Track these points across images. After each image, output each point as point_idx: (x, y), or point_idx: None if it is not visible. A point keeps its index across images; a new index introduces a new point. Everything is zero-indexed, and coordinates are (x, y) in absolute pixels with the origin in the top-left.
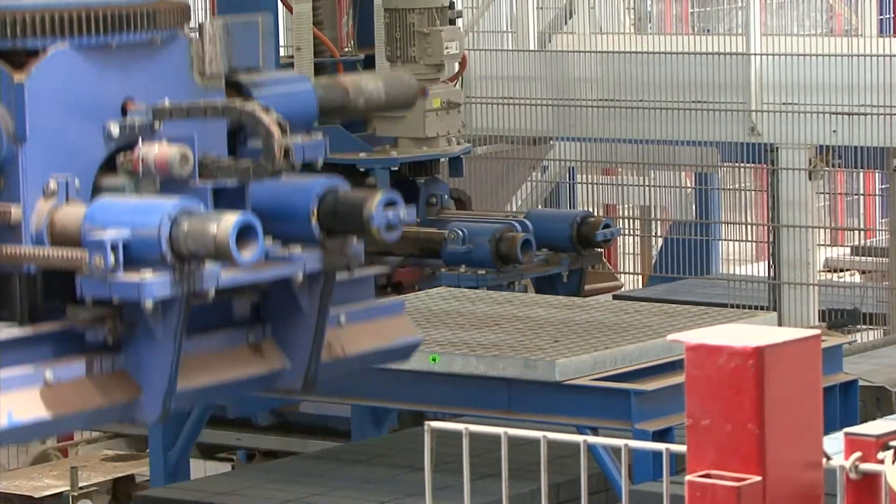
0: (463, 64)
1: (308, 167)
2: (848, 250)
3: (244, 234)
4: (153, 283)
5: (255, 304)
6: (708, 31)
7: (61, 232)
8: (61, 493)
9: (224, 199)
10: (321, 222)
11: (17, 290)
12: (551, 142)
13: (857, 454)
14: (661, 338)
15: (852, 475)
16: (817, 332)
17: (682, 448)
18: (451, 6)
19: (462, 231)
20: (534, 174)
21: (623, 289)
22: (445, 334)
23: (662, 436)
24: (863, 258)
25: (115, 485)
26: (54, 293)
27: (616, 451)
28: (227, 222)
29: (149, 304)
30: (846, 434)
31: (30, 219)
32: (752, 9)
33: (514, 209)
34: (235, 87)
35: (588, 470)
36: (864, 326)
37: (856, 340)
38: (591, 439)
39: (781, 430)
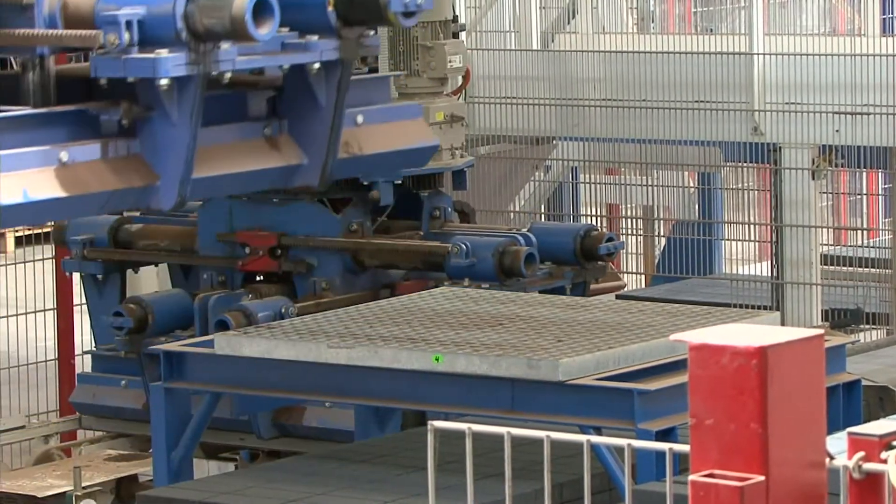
0: (466, 77)
1: None
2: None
3: (260, 11)
4: (168, 60)
5: (271, 100)
6: (711, 30)
7: (74, 14)
8: (64, 492)
9: None
10: (337, 10)
11: (30, 76)
12: (554, 141)
13: (861, 454)
14: (665, 337)
15: (855, 475)
16: (820, 331)
17: (685, 448)
18: (455, 20)
19: (465, 245)
20: (537, 174)
21: (626, 288)
22: (448, 334)
23: (666, 435)
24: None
25: (119, 485)
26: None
27: (619, 450)
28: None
29: (164, 82)
30: (849, 434)
31: (42, 1)
32: (755, 8)
33: (517, 209)
34: None
35: (591, 470)
36: (868, 326)
37: (859, 340)
38: (595, 439)
39: (785, 430)
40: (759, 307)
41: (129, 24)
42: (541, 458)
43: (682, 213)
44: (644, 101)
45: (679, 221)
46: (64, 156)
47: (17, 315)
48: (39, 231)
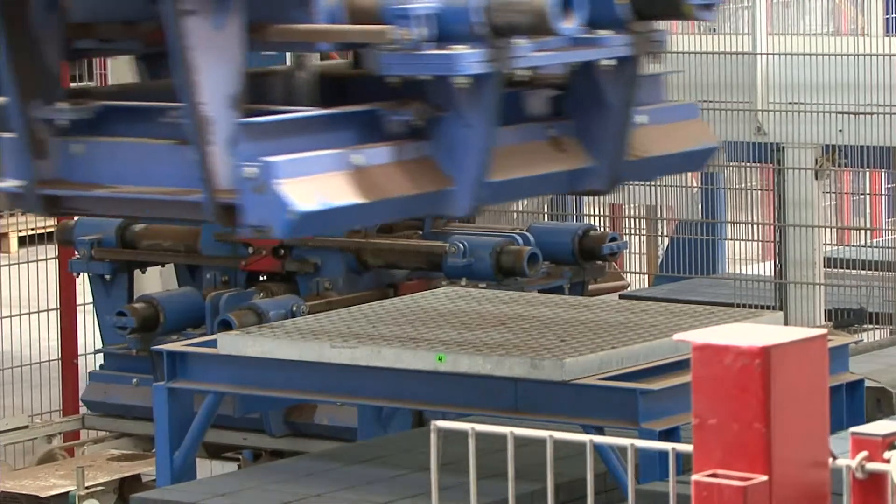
0: None
1: None
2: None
3: (562, 4)
4: (467, 56)
5: (553, 99)
6: (714, 30)
7: (358, 8)
8: (67, 492)
9: None
10: (633, 3)
11: (301, 74)
12: None
13: (864, 454)
14: (668, 337)
15: (858, 475)
16: (823, 331)
17: (688, 447)
18: None
19: (463, 244)
20: None
21: (629, 288)
22: (451, 334)
23: (669, 435)
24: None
25: (122, 484)
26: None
27: (622, 450)
28: None
29: (462, 80)
30: (852, 434)
31: None
32: (758, 8)
33: (520, 209)
34: None
35: (594, 469)
36: (871, 326)
37: (862, 340)
38: (598, 439)
39: (788, 430)
40: (762, 307)
41: (424, 18)
42: (544, 458)
43: (685, 213)
44: None
45: (682, 221)
46: (358, 159)
47: (20, 315)
48: (42, 231)
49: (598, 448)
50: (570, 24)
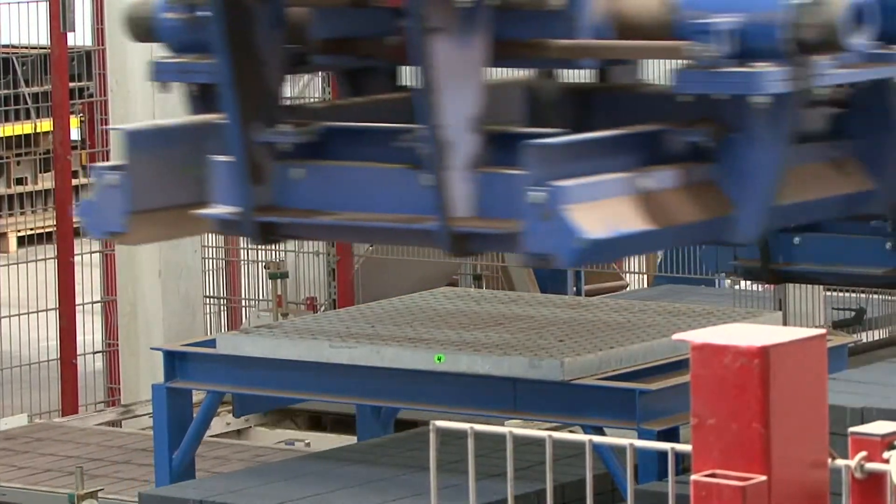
0: None
1: None
2: None
3: (858, 18)
4: (769, 75)
5: (836, 118)
6: None
7: (627, 21)
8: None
9: None
10: None
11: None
12: None
13: (863, 454)
14: (667, 337)
15: (857, 475)
16: (822, 331)
17: (687, 448)
18: None
19: None
20: None
21: (628, 288)
22: (450, 334)
23: (668, 435)
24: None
25: None
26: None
27: (621, 450)
28: (839, 1)
29: (761, 100)
30: (851, 433)
31: (590, 7)
32: None
33: None
34: None
35: (593, 470)
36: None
37: (861, 340)
38: (597, 439)
39: (787, 430)
40: (761, 307)
41: (726, 33)
42: (543, 458)
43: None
44: None
45: None
46: (646, 183)
47: (19, 315)
48: (42, 231)
49: (596, 448)
50: (860, 40)
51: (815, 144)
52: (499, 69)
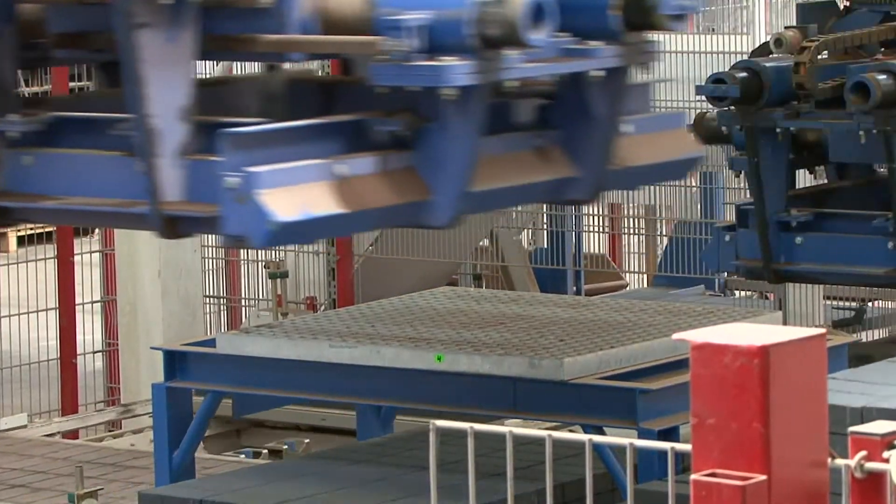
0: None
1: None
2: None
3: (536, 15)
4: (456, 68)
5: (540, 109)
6: (713, 30)
7: (332, 17)
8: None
9: None
10: (624, 14)
11: (274, 83)
12: None
13: (863, 453)
14: (667, 337)
15: (857, 474)
16: (822, 331)
17: (687, 447)
18: None
19: None
20: None
21: (628, 288)
22: (450, 333)
23: (668, 435)
24: None
25: None
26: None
27: (621, 450)
28: (519, 1)
29: (450, 91)
30: (851, 433)
31: (297, 4)
32: (757, 8)
33: (518, 208)
34: None
35: (593, 469)
36: (870, 324)
37: (861, 340)
38: (597, 438)
39: (787, 429)
40: (760, 307)
41: (415, 29)
42: (543, 458)
43: (683, 213)
44: None
45: (681, 221)
46: (341, 169)
47: (19, 314)
48: (42, 230)
49: (596, 448)
50: (541, 36)
51: (520, 134)
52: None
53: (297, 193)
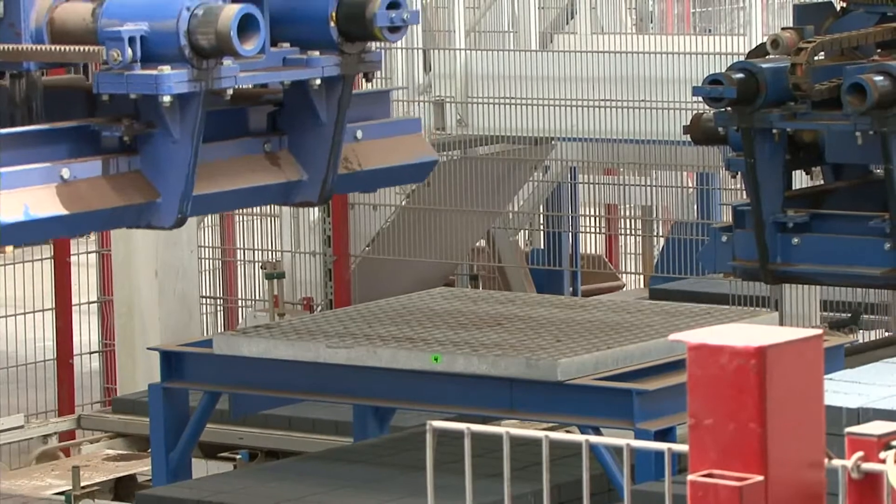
0: None
1: None
2: None
3: (248, 26)
4: (171, 77)
5: (271, 115)
6: (710, 31)
7: (61, 28)
8: (63, 492)
9: None
10: (340, 26)
11: (18, 89)
12: (553, 142)
13: (859, 454)
14: (663, 337)
15: (854, 475)
16: (819, 331)
17: (683, 448)
18: None
19: None
20: (535, 174)
21: (624, 289)
22: (447, 334)
23: (664, 435)
24: None
25: (117, 484)
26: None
27: (618, 450)
28: (229, 13)
29: (166, 99)
30: (848, 434)
31: (30, 16)
32: (753, 9)
33: (516, 209)
34: None
35: (590, 470)
36: (871, 317)
37: (857, 340)
38: (593, 439)
39: (784, 430)
40: (757, 307)
41: (132, 40)
42: (539, 459)
43: (680, 214)
44: (643, 101)
45: (678, 222)
46: (65, 173)
47: (15, 315)
48: None
49: (593, 448)
50: (251, 47)
51: (251, 139)
52: None
53: (21, 196)
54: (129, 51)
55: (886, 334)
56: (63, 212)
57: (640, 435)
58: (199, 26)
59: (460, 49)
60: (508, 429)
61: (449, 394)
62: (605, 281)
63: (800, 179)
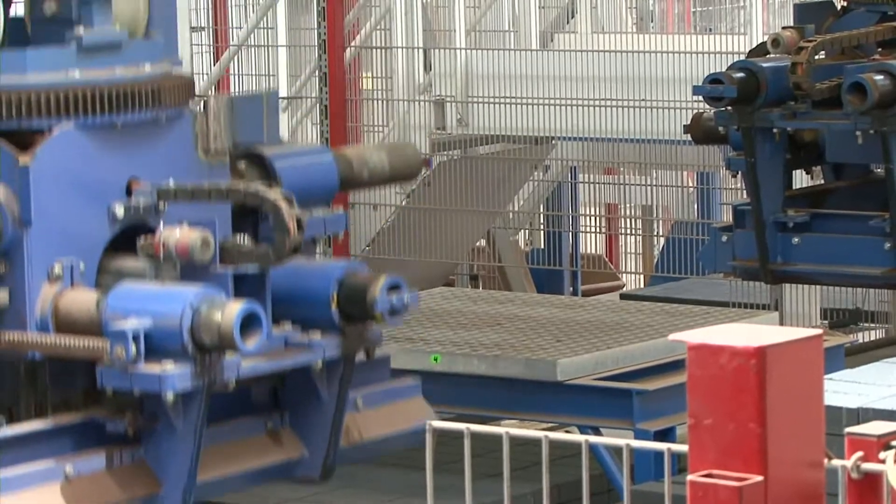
0: None
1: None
2: None
3: (250, 321)
4: (175, 376)
5: (273, 391)
6: (710, 30)
7: (66, 318)
8: None
9: (245, 285)
10: (341, 308)
11: (23, 380)
12: (553, 141)
13: (859, 454)
14: (663, 337)
15: (854, 475)
16: (819, 331)
17: (683, 448)
18: None
19: None
20: (535, 174)
21: (625, 288)
22: (447, 334)
23: (664, 435)
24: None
25: None
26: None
27: (617, 450)
28: (231, 311)
29: (170, 396)
30: (847, 434)
31: (35, 304)
32: (754, 8)
33: (516, 209)
34: (258, 160)
35: (590, 470)
36: (866, 326)
37: (857, 340)
38: (593, 439)
39: (783, 430)
40: (757, 307)
41: (136, 337)
42: (539, 459)
43: (680, 213)
44: (643, 100)
45: (678, 221)
46: (69, 470)
47: None
48: None
49: (593, 448)
50: (253, 344)
51: (252, 418)
52: None
53: (23, 499)
54: (133, 348)
55: (887, 327)
56: None
57: (639, 435)
58: (202, 324)
59: (461, 48)
60: (508, 429)
61: (448, 394)
62: (606, 281)
63: (800, 179)
